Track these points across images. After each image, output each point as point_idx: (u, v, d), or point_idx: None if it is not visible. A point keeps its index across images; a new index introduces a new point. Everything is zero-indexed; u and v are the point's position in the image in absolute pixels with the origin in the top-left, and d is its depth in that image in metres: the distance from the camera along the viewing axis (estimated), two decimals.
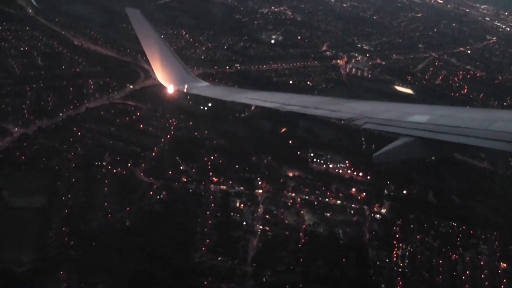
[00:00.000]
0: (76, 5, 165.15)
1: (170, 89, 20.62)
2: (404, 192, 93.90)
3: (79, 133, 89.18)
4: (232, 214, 77.33)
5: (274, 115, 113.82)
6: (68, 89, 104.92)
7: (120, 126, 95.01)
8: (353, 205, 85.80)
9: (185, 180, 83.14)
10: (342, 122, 13.22)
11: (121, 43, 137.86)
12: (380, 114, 12.63)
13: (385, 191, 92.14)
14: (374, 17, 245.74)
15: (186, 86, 20.92)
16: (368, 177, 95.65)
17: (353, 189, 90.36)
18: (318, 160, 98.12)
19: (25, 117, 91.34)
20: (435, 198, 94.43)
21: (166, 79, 21.08)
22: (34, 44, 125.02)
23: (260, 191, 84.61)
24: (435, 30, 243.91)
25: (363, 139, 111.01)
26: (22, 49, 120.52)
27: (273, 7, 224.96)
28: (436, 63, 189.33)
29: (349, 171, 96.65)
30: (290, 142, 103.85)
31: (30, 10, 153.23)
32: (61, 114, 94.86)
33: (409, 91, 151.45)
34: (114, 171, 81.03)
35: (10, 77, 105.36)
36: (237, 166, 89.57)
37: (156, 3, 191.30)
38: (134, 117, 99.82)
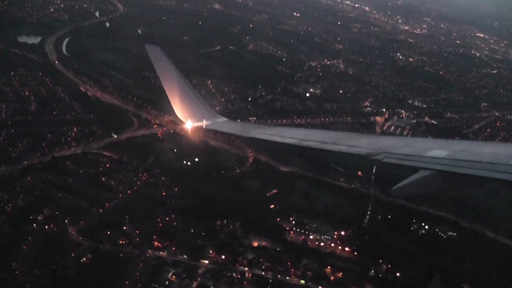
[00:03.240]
0: (106, 53, 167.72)
1: (188, 124, 19.86)
2: (397, 274, 78.02)
3: (31, 184, 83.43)
4: (156, 286, 66.31)
5: (269, 174, 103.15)
6: (45, 136, 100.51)
7: (81, 178, 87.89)
8: (319, 287, 71.90)
9: (121, 242, 73.62)
10: (366, 155, 12.65)
11: (132, 91, 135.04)
12: (399, 149, 12.59)
13: (372, 271, 77.43)
14: (440, 72, 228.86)
15: (204, 121, 20.35)
16: (355, 253, 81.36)
17: (328, 267, 76.48)
18: (298, 229, 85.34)
19: None
20: (440, 285, 77.23)
21: (185, 115, 20.37)
22: (37, 90, 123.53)
23: (206, 261, 73.15)
24: (507, 88, 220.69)
25: (370, 207, 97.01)
26: (22, 94, 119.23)
27: (325, 60, 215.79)
28: (497, 124, 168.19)
29: (332, 245, 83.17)
30: (272, 206, 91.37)
31: (53, 57, 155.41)
32: (25, 162, 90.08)
33: None
34: (46, 227, 73.71)
35: None
36: (192, 231, 79.06)
37: (198, 53, 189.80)
38: (101, 168, 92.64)
